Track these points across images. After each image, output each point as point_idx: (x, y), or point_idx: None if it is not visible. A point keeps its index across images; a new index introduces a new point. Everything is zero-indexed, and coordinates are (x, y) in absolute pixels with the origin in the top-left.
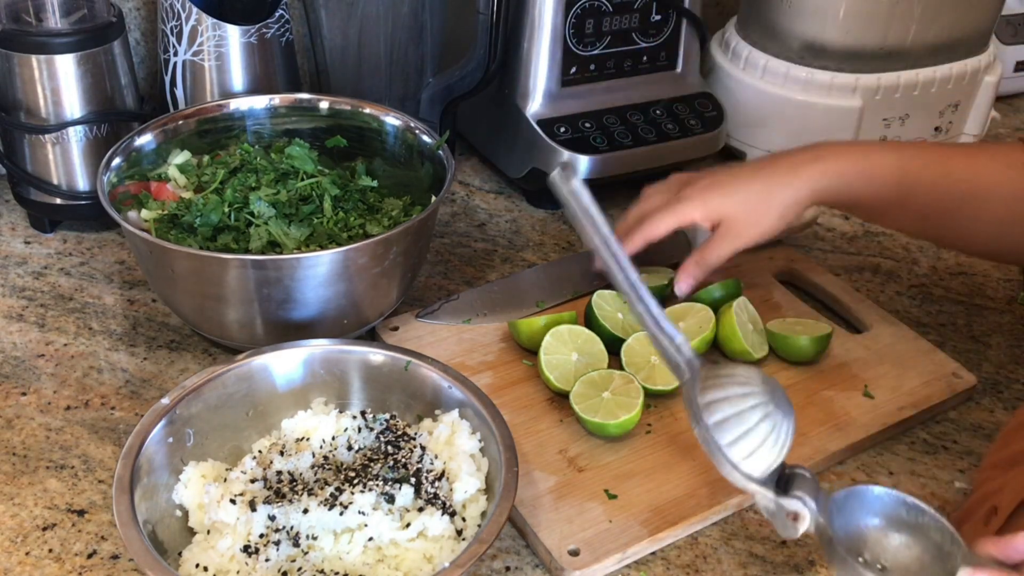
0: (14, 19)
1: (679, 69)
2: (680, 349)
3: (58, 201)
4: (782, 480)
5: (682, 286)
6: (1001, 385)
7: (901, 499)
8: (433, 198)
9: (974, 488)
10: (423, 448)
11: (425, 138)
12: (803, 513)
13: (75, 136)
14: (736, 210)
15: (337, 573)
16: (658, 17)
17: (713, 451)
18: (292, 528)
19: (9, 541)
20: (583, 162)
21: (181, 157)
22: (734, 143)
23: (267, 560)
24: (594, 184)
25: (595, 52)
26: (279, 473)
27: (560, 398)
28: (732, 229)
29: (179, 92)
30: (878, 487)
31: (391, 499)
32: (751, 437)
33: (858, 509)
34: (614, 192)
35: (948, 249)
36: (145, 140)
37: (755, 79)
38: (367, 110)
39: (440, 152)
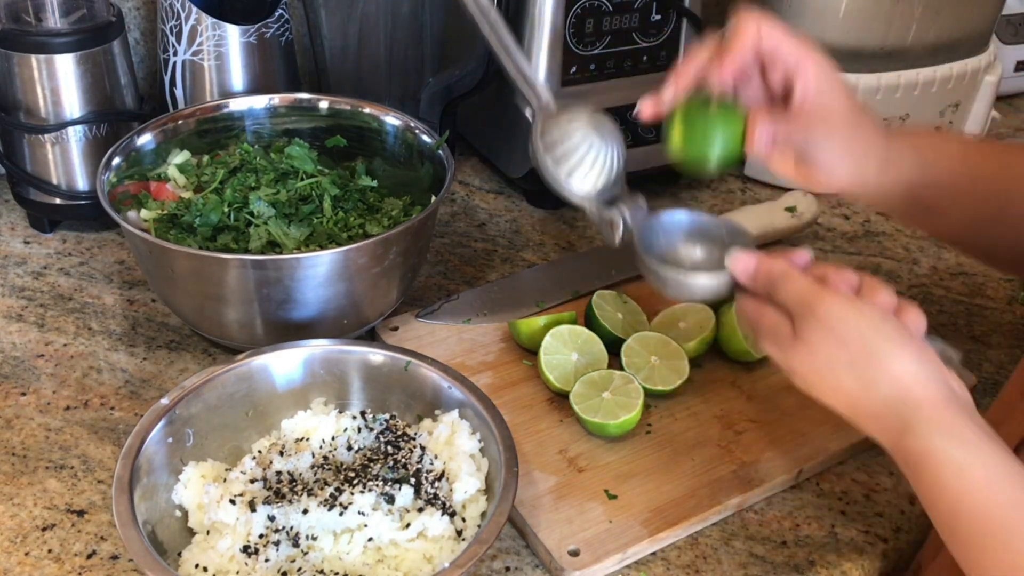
0: (14, 19)
1: None
2: (536, 89)
3: (58, 201)
4: (616, 201)
5: (762, 138)
6: (1001, 385)
7: (705, 216)
8: (433, 198)
9: (996, 422)
10: (423, 448)
11: (425, 138)
12: (617, 221)
13: (75, 136)
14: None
15: (337, 573)
16: (658, 17)
17: (547, 172)
18: (292, 528)
19: (8, 541)
20: None
21: (181, 157)
22: None
23: (267, 560)
24: None
25: (595, 52)
26: (279, 473)
27: (560, 398)
28: (820, 122)
29: (179, 92)
30: (684, 211)
31: (391, 499)
32: (576, 159)
33: (671, 226)
34: None
35: (991, 265)
36: (145, 140)
37: None
38: (367, 110)
39: (440, 152)
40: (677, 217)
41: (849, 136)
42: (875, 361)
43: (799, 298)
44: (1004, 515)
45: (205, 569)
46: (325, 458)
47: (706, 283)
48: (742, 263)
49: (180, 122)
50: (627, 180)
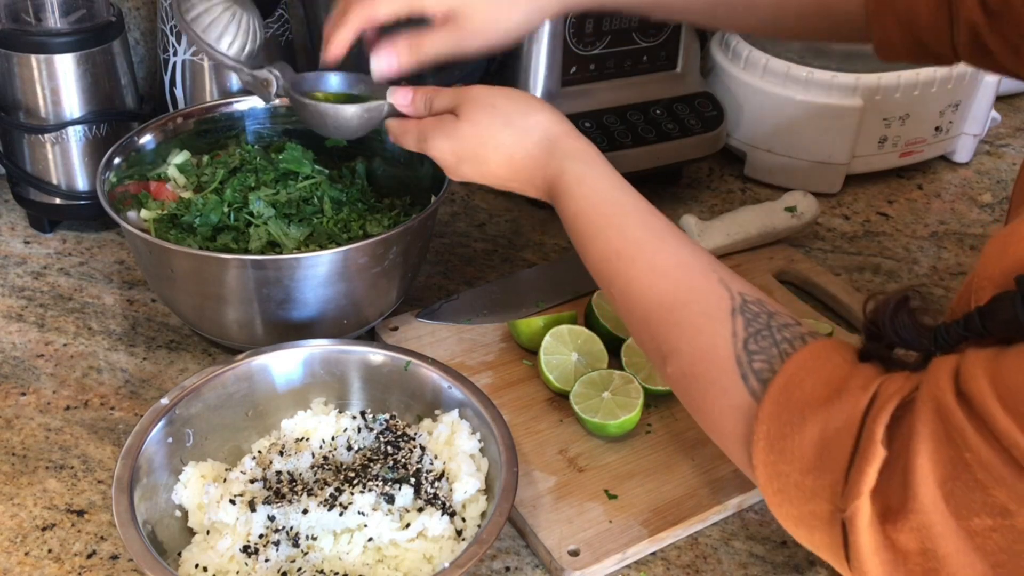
0: (13, 19)
1: (679, 69)
2: None
3: (57, 201)
4: (265, 65)
5: (381, 62)
6: None
7: (344, 74)
8: (433, 198)
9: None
10: (423, 448)
11: None
12: (270, 79)
13: (74, 136)
14: (475, 2)
15: (337, 573)
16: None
17: (197, 41)
18: (292, 528)
19: (8, 541)
20: None
21: (180, 157)
22: (734, 143)
23: (267, 560)
24: None
25: (595, 52)
26: (279, 473)
27: (560, 398)
28: (466, 24)
29: (178, 92)
30: (324, 73)
31: (391, 499)
32: (222, 25)
33: (319, 80)
34: None
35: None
36: (144, 140)
37: (755, 79)
38: None
39: None
40: (322, 77)
41: (487, 3)
42: (524, 115)
43: (453, 95)
44: (602, 211)
45: (205, 569)
46: (325, 458)
47: (360, 111)
48: (400, 94)
49: (180, 122)
50: (628, 180)
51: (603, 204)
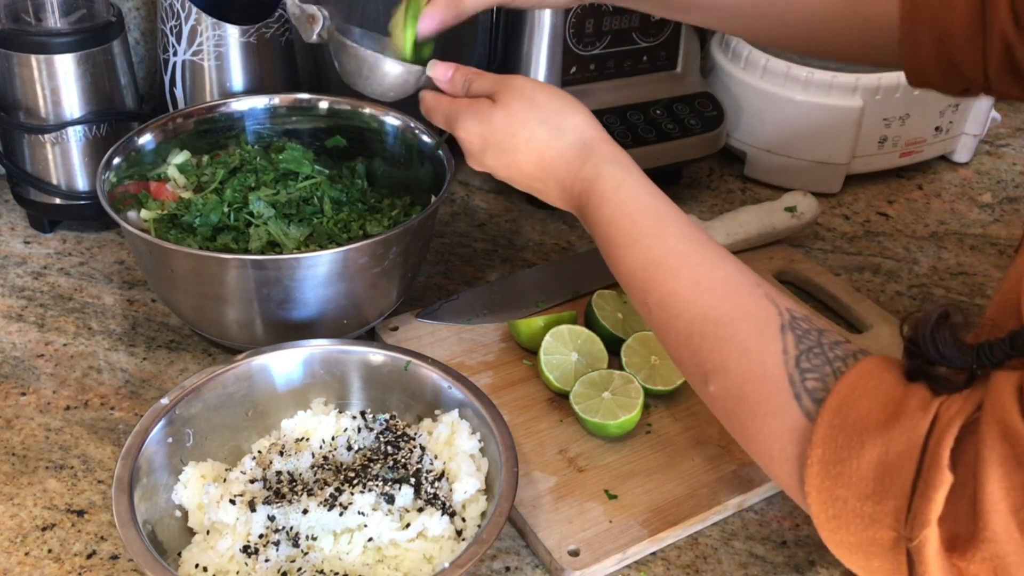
0: (13, 19)
1: (679, 69)
2: None
3: (57, 201)
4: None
5: (426, 22)
6: None
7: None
8: (433, 198)
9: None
10: (423, 448)
11: (425, 138)
12: (318, 16)
13: (74, 136)
14: None
15: (337, 573)
16: (658, 17)
17: None
18: (292, 528)
19: (8, 541)
20: None
21: (180, 157)
22: (734, 143)
23: (267, 560)
24: None
25: (595, 52)
26: (279, 473)
27: (560, 398)
28: None
29: (178, 92)
30: (383, 38)
31: (391, 499)
32: None
33: (362, 35)
34: None
35: (755, 41)
36: (145, 140)
37: (755, 79)
38: (367, 110)
39: (440, 152)
40: (368, 35)
41: None
42: (561, 115)
43: (494, 81)
44: (641, 220)
45: (205, 569)
46: (325, 458)
47: (400, 70)
48: (441, 69)
49: (180, 122)
50: None
51: (642, 212)
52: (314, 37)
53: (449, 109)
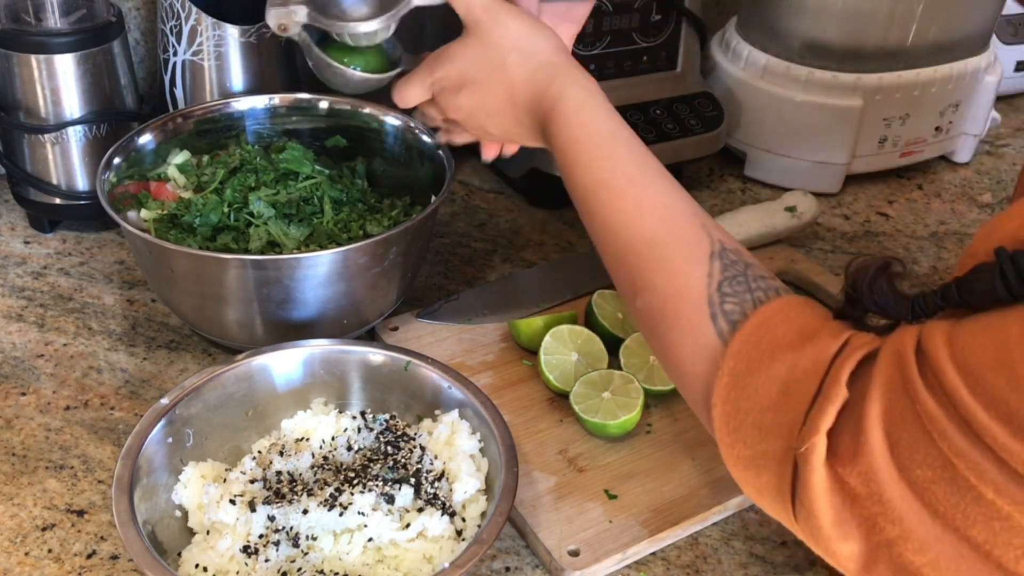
0: (13, 19)
1: (679, 69)
2: None
3: (57, 201)
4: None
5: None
6: None
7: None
8: (433, 198)
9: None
10: (423, 448)
11: (425, 138)
12: (290, 26)
13: (74, 136)
14: None
15: (337, 574)
16: (658, 17)
17: None
18: (292, 528)
19: (8, 541)
20: None
21: (181, 157)
22: (734, 143)
23: (267, 561)
24: None
25: (595, 52)
26: (279, 473)
27: (560, 398)
28: None
29: (179, 92)
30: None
31: (391, 499)
32: None
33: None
34: None
35: None
36: (145, 140)
37: (755, 79)
38: (367, 110)
39: (440, 152)
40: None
41: None
42: (530, 38)
43: (465, 11)
44: (597, 140)
45: (205, 569)
46: (325, 458)
47: (367, 77)
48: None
49: (180, 122)
50: None
51: (599, 134)
52: (290, 35)
53: (420, 72)
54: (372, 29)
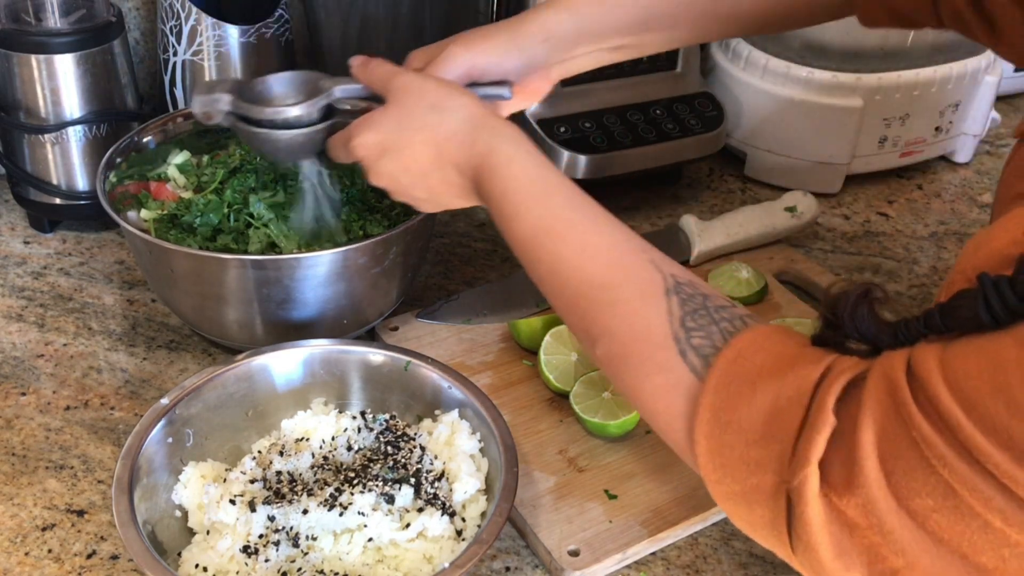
0: (13, 19)
1: (679, 69)
2: None
3: (57, 201)
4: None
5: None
6: None
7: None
8: None
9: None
10: (423, 448)
11: None
12: (214, 114)
13: (74, 136)
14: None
15: (337, 574)
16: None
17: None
18: (292, 528)
19: (8, 541)
20: (583, 162)
21: (180, 157)
22: (734, 143)
23: (267, 561)
24: (594, 183)
25: None
26: (279, 473)
27: (560, 398)
28: None
29: (178, 92)
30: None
31: (391, 499)
32: None
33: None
34: (614, 191)
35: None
36: (145, 140)
37: (755, 79)
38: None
39: None
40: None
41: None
42: (449, 98)
43: (387, 75)
44: (531, 190)
45: (205, 569)
46: (325, 458)
47: (296, 134)
48: (357, 62)
49: (180, 122)
50: (628, 180)
51: (533, 183)
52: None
53: (343, 136)
54: (293, 115)
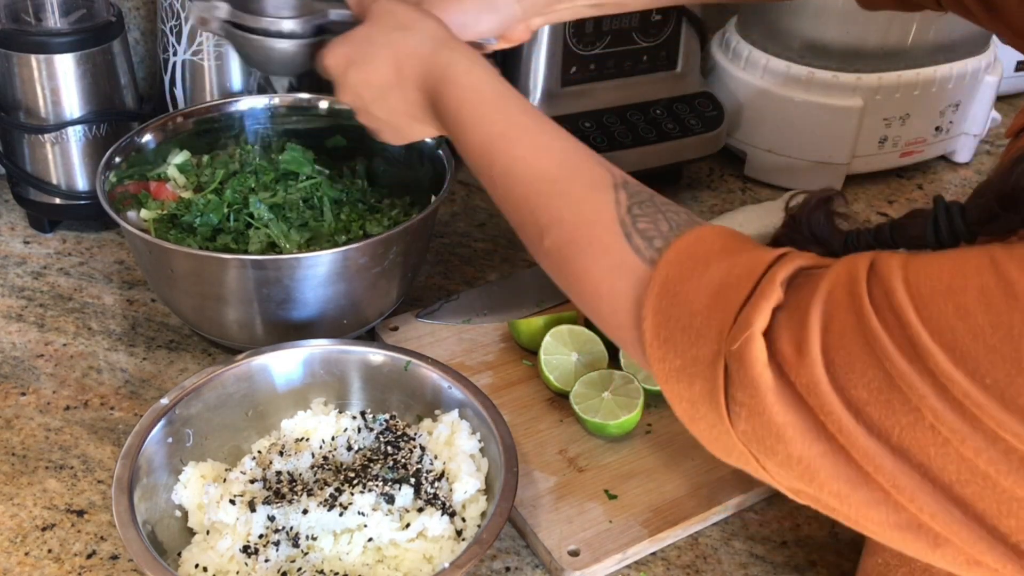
0: (13, 19)
1: (679, 69)
2: None
3: (57, 201)
4: None
5: None
6: None
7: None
8: (433, 198)
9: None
10: (423, 448)
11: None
12: (210, 20)
13: (74, 136)
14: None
15: (337, 574)
16: (658, 17)
17: None
18: (292, 528)
19: (8, 541)
20: None
21: (180, 157)
22: (734, 143)
23: (266, 561)
24: None
25: (595, 52)
26: (279, 473)
27: (560, 398)
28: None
29: (178, 92)
30: None
31: (391, 499)
32: None
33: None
34: None
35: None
36: (145, 140)
37: (755, 79)
38: None
39: (440, 152)
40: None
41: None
42: (418, 21)
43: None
44: (488, 98)
45: (205, 569)
46: (325, 458)
47: (288, 45)
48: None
49: (180, 122)
50: None
51: (489, 92)
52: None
53: (321, 53)
54: (288, 28)
